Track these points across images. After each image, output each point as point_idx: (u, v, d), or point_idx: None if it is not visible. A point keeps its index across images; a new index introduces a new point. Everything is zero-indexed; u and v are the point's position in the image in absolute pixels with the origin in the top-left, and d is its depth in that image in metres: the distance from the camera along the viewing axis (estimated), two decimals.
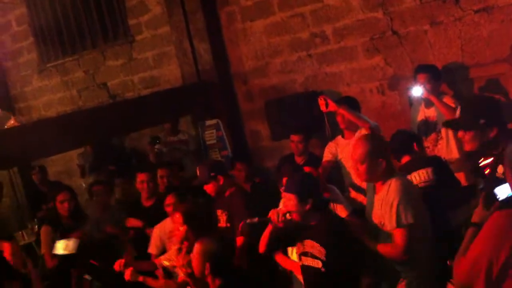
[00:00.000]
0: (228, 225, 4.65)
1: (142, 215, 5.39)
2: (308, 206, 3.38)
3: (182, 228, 3.96)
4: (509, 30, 5.11)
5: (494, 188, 2.38)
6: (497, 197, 2.34)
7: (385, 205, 3.35)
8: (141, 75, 8.09)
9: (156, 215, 5.06)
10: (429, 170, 4.07)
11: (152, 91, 7.71)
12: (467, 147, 3.13)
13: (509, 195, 2.29)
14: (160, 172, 5.68)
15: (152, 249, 4.90)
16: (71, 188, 5.59)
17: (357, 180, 4.74)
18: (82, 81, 8.84)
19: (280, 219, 3.42)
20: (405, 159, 4.22)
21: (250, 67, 7.00)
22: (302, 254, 3.48)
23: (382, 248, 3.39)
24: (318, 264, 3.34)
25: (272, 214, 3.46)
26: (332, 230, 3.36)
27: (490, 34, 5.23)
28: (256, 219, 3.62)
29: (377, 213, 3.44)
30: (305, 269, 3.48)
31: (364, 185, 4.55)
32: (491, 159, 3.47)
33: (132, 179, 5.98)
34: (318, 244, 3.34)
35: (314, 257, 3.37)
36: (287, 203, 3.45)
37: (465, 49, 5.41)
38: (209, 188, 4.70)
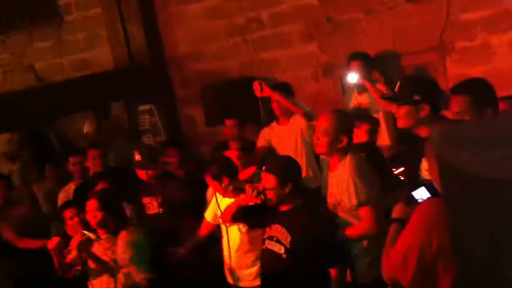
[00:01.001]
0: (161, 210, 4.57)
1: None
2: (287, 190, 3.34)
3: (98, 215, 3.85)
4: (439, 20, 5.26)
5: (411, 191, 2.43)
6: (417, 200, 2.39)
7: (341, 182, 3.37)
8: (71, 57, 7.81)
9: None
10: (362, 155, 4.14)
11: (83, 75, 7.46)
12: (400, 123, 3.23)
13: (428, 197, 2.32)
14: (91, 153, 5.53)
15: None
16: None
17: None
18: (8, 63, 8.44)
19: (254, 195, 3.37)
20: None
21: (186, 51, 6.89)
22: (268, 238, 3.43)
23: (352, 231, 3.40)
24: (280, 249, 3.31)
25: (248, 188, 3.42)
26: (303, 219, 3.31)
27: (421, 24, 5.36)
28: None
29: (333, 192, 3.45)
30: (266, 253, 3.43)
31: None
32: (402, 168, 3.63)
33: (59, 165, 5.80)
34: (285, 230, 3.31)
35: (279, 242, 3.33)
36: (266, 183, 3.37)
37: (396, 38, 5.52)
38: (142, 173, 4.58)
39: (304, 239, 3.25)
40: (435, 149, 1.38)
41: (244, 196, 3.48)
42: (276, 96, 4.78)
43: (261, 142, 5.22)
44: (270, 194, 3.36)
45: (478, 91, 3.11)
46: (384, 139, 5.00)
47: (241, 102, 5.86)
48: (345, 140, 3.40)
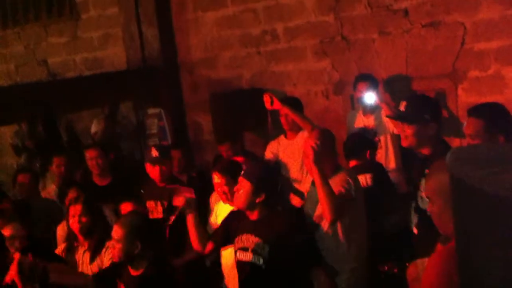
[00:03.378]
0: (165, 215, 4.54)
1: None
2: (258, 200, 3.29)
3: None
4: (453, 47, 5.27)
5: None
6: None
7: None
8: (85, 55, 7.85)
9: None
10: (368, 176, 4.15)
11: (94, 73, 7.50)
12: (406, 142, 3.22)
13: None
14: (56, 161, 5.50)
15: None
16: None
17: (297, 176, 4.77)
18: (21, 56, 8.50)
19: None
20: (352, 163, 4.29)
21: (198, 58, 6.92)
22: (241, 249, 3.34)
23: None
24: (258, 260, 3.24)
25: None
26: (278, 227, 3.25)
27: (435, 49, 5.38)
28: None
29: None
30: (241, 265, 3.34)
31: (302, 187, 4.59)
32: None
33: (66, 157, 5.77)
34: (260, 240, 3.25)
35: (256, 253, 3.25)
36: (240, 188, 3.32)
37: (410, 61, 5.54)
38: (155, 171, 4.55)
39: (280, 247, 3.19)
40: (449, 167, 1.37)
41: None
42: (285, 110, 4.75)
43: (268, 155, 5.20)
44: (241, 199, 3.30)
45: (492, 116, 3.12)
46: (390, 162, 4.99)
47: (249, 112, 5.88)
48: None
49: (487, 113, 3.15)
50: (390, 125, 4.83)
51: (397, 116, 3.51)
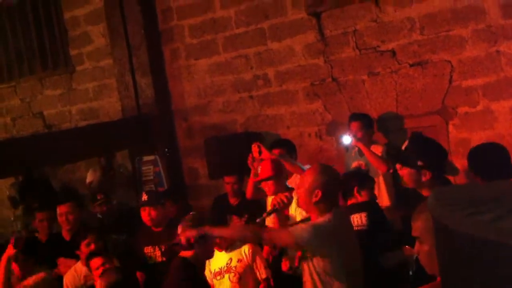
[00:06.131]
0: (164, 259, 4.56)
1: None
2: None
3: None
4: (441, 85, 5.38)
5: None
6: None
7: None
8: (80, 106, 7.95)
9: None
10: (363, 215, 4.16)
11: (90, 123, 7.58)
12: (402, 182, 3.29)
13: None
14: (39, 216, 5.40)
15: None
16: None
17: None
18: (17, 109, 8.60)
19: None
20: (350, 201, 4.31)
21: (192, 104, 7.02)
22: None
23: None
24: None
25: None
26: None
27: (424, 87, 5.48)
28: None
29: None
30: None
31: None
32: None
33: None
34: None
35: None
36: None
37: (399, 100, 5.63)
38: (145, 215, 4.61)
39: None
40: (431, 210, 1.41)
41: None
42: (274, 158, 4.59)
43: None
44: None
45: (472, 160, 3.19)
46: (383, 200, 5.02)
47: (244, 156, 5.91)
48: (319, 195, 3.22)
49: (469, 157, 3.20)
50: (375, 164, 4.92)
51: (391, 156, 3.56)
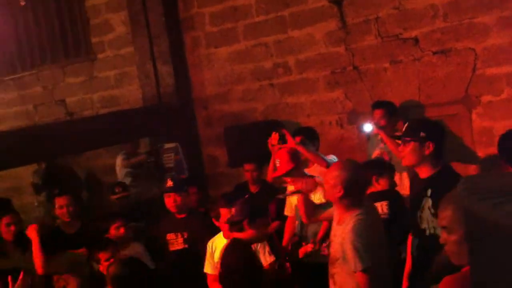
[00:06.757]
0: (186, 246, 4.58)
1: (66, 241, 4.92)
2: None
3: None
4: (465, 73, 5.31)
5: None
6: None
7: (345, 243, 3.21)
8: (101, 93, 8.01)
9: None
10: (384, 203, 4.14)
11: (111, 111, 7.63)
12: (405, 161, 3.33)
13: None
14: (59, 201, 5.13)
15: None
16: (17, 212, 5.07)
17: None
18: (39, 97, 8.68)
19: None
20: (369, 190, 4.28)
21: (212, 92, 7.02)
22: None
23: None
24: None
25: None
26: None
27: (447, 76, 5.41)
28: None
29: (336, 247, 3.32)
30: None
31: None
32: None
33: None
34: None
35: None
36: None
37: (422, 89, 5.57)
38: (170, 202, 4.61)
39: None
40: (461, 199, 1.40)
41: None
42: (299, 149, 4.56)
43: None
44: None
45: (503, 148, 3.14)
46: (405, 188, 4.97)
47: (264, 144, 5.91)
48: (342, 191, 3.23)
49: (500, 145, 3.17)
50: (396, 152, 4.87)
51: (394, 136, 3.58)
